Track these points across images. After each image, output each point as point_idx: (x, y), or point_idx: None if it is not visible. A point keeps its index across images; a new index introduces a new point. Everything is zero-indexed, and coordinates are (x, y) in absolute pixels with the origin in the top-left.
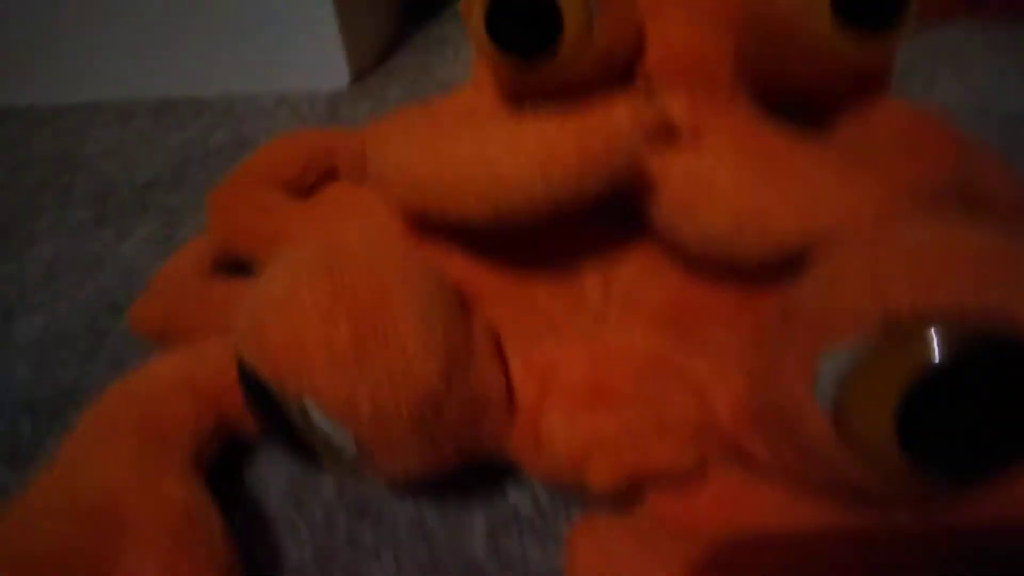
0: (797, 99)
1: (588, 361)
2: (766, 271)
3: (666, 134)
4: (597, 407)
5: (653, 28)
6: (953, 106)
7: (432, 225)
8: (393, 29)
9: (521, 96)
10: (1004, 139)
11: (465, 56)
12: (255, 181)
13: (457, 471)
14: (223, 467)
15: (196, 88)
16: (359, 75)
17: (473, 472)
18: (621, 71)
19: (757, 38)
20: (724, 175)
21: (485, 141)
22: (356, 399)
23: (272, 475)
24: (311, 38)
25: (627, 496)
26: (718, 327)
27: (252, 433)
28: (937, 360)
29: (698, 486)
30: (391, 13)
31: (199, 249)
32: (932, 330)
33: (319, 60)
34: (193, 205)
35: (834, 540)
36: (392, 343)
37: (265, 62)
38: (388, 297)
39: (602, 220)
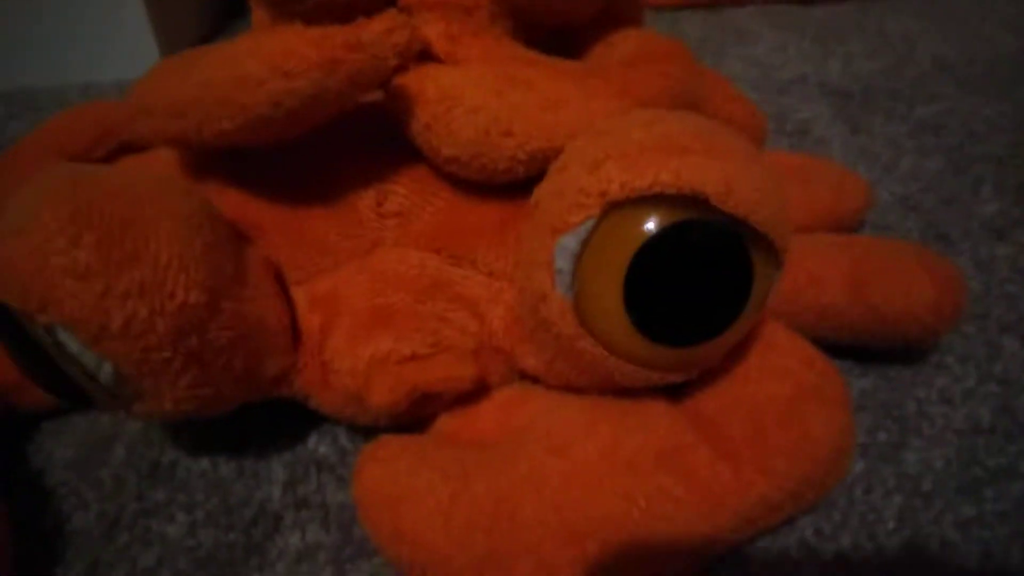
0: (552, 30)
1: (368, 286)
2: (526, 186)
3: (422, 55)
4: (378, 329)
5: None
6: (739, 74)
7: (206, 163)
8: (209, 20)
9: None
10: (779, 101)
11: None
12: (39, 152)
13: (255, 423)
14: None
15: None
16: None
17: (272, 424)
18: (383, 3)
19: None
20: (471, 88)
21: (232, 52)
22: (105, 314)
23: (56, 447)
24: (118, 24)
25: (415, 417)
26: (486, 246)
27: (30, 404)
28: (647, 232)
29: (480, 401)
30: (207, 3)
31: None
32: (642, 206)
33: (127, 49)
34: None
35: (596, 426)
36: (143, 256)
37: (69, 54)
38: (139, 213)
39: (374, 145)
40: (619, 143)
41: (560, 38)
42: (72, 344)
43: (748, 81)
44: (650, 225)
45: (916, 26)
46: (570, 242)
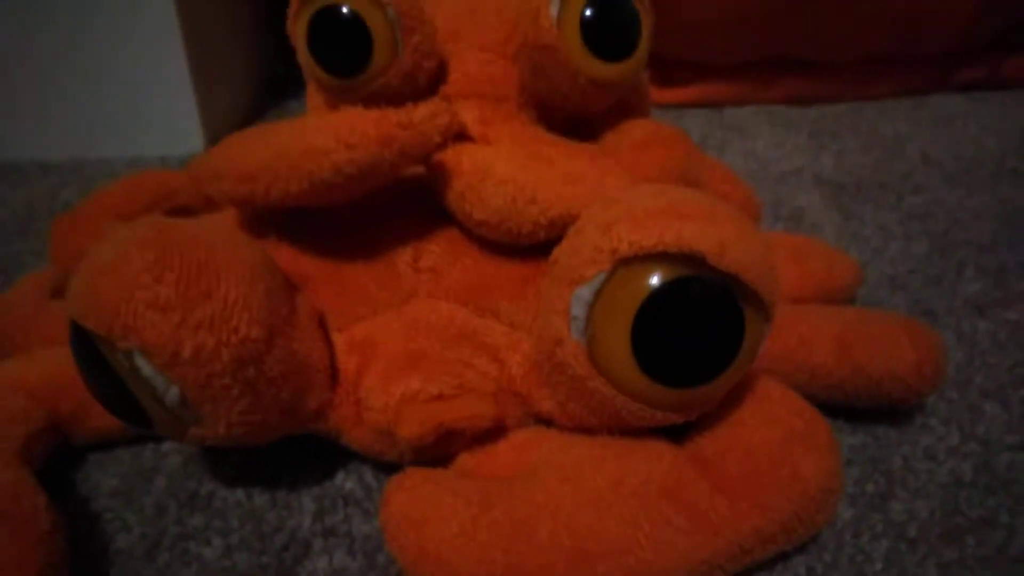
0: (571, 119)
1: (402, 332)
2: (545, 248)
3: (459, 136)
4: (409, 371)
5: (453, 60)
6: (739, 167)
7: (262, 222)
8: (251, 100)
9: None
10: (776, 189)
11: None
12: (99, 212)
13: (287, 459)
14: (53, 476)
15: (45, 153)
16: (213, 142)
17: (304, 460)
18: (426, 91)
19: (531, 66)
20: (501, 162)
21: (301, 127)
22: (178, 342)
23: (103, 477)
24: (166, 104)
25: (437, 454)
26: (507, 300)
27: (83, 437)
28: (652, 285)
29: (497, 441)
30: (250, 84)
31: (39, 277)
32: (648, 263)
33: (173, 126)
34: (36, 252)
35: (606, 461)
36: (215, 295)
37: (118, 128)
38: (213, 257)
39: (413, 210)
40: (629, 209)
41: (577, 125)
42: (146, 368)
43: (747, 173)
44: (654, 279)
45: (906, 127)
46: (584, 292)
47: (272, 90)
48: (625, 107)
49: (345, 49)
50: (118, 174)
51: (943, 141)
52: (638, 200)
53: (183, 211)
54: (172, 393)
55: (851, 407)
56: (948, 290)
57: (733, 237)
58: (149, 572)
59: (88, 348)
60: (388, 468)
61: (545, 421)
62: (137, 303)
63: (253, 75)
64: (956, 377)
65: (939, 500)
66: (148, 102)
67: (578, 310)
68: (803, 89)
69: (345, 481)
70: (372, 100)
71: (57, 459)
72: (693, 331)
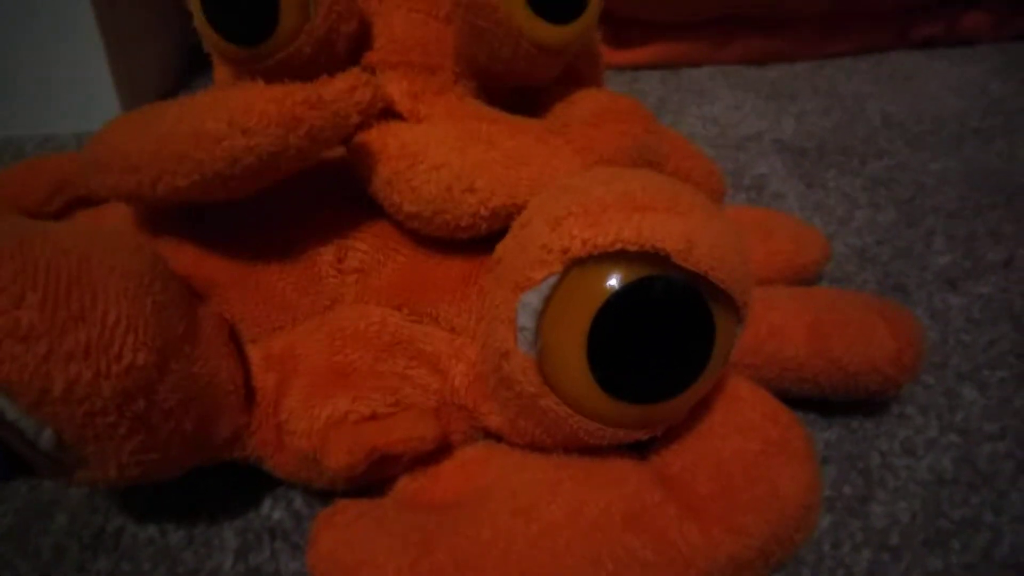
0: (517, 91)
1: (326, 343)
2: (488, 241)
3: (386, 113)
4: (336, 389)
5: (377, 24)
6: (697, 132)
7: (162, 218)
8: (173, 70)
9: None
10: (736, 156)
11: None
12: None
13: (207, 487)
14: None
15: None
16: None
17: (225, 488)
18: (345, 60)
19: (467, 28)
20: (434, 145)
21: (190, 107)
22: (46, 377)
23: None
24: (78, 76)
25: (375, 481)
26: (448, 302)
27: None
28: (609, 288)
29: (441, 460)
30: (171, 52)
31: None
32: (604, 263)
33: (87, 100)
34: None
35: (561, 485)
36: (90, 317)
37: (27, 104)
38: (87, 270)
39: (335, 201)
40: (581, 200)
41: (522, 96)
42: (11, 411)
43: (706, 138)
44: (612, 282)
45: (866, 87)
46: (532, 299)
47: (196, 58)
48: (574, 74)
49: (246, 10)
50: (28, 154)
51: (904, 100)
52: (591, 188)
53: (86, 201)
54: (46, 436)
55: (824, 399)
56: (918, 263)
57: (700, 230)
58: None
59: None
60: (320, 494)
61: (494, 436)
62: None
63: (174, 42)
64: (931, 359)
65: (920, 501)
66: (59, 74)
67: (526, 319)
68: (760, 48)
69: (272, 510)
70: (280, 71)
71: None
72: (657, 339)
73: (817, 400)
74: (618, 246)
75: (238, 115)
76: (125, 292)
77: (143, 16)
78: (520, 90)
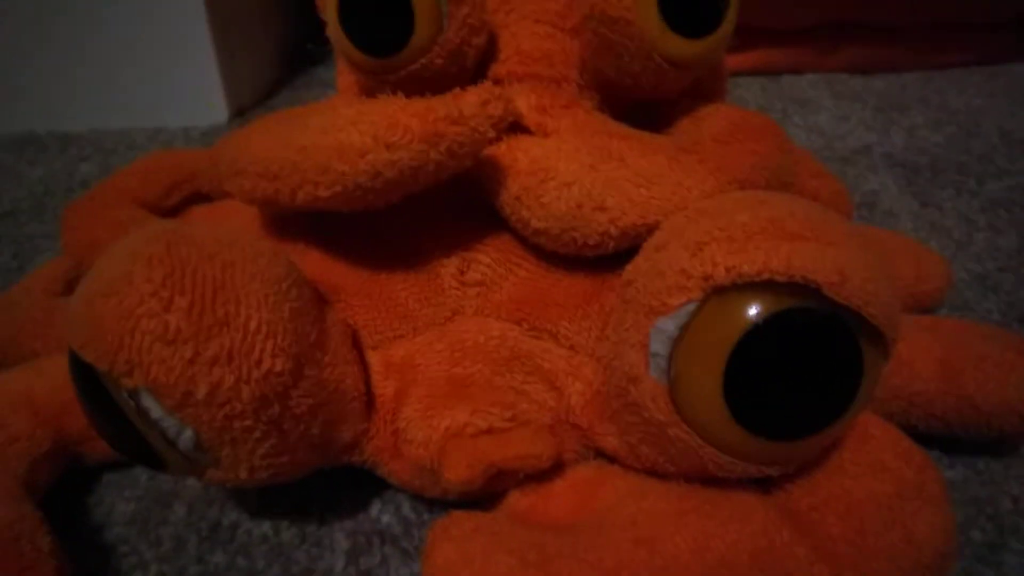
0: (640, 104)
1: (446, 354)
2: (611, 258)
3: (513, 126)
4: (454, 401)
5: (504, 36)
6: (802, 143)
7: (288, 222)
8: (276, 69)
9: (377, 92)
10: (844, 171)
11: None
12: (114, 198)
13: (318, 487)
14: (63, 494)
15: (65, 123)
16: (238, 112)
17: (335, 490)
18: (473, 73)
19: (597, 41)
20: (564, 161)
21: (333, 119)
22: (191, 380)
23: (118, 501)
24: (188, 74)
25: (487, 494)
26: (568, 319)
27: (97, 455)
28: (752, 319)
29: (553, 478)
30: (275, 53)
31: (52, 269)
32: (747, 292)
33: (196, 96)
34: (52, 235)
35: (686, 517)
36: (233, 323)
37: (139, 98)
38: (231, 276)
39: (460, 214)
40: (723, 225)
41: (644, 110)
42: (155, 409)
43: (811, 151)
44: (754, 312)
45: (979, 100)
46: (668, 325)
47: (299, 57)
48: (701, 89)
49: (382, 23)
50: (139, 147)
51: (1023, 116)
52: (735, 213)
53: (203, 196)
54: (186, 436)
55: (950, 437)
56: None
57: (853, 262)
58: None
59: (89, 382)
60: (427, 500)
61: (607, 456)
62: (143, 335)
63: (279, 41)
64: None
65: None
66: (170, 70)
67: (659, 346)
68: (866, 57)
69: (381, 514)
70: (411, 82)
71: (68, 478)
72: (800, 374)
73: (940, 437)
74: (765, 276)
75: (382, 130)
76: (266, 299)
77: (251, 15)
78: (643, 104)
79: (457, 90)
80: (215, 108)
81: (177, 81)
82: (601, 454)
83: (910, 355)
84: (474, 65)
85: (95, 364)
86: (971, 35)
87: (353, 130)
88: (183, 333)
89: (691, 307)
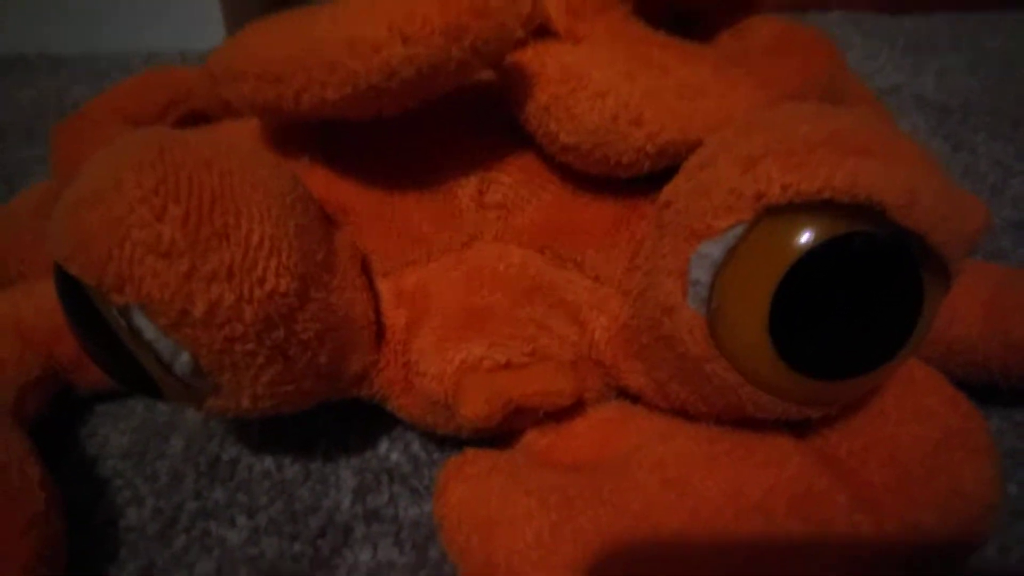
0: (677, 14)
1: (462, 283)
2: (645, 181)
3: (541, 31)
4: (470, 332)
5: None
6: None
7: (291, 136)
8: None
9: None
10: None
11: None
12: (106, 116)
13: (323, 423)
14: (54, 425)
15: (56, 46)
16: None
17: (342, 426)
18: None
19: None
20: (599, 68)
21: (344, 12)
22: (188, 297)
23: (112, 433)
24: None
25: (503, 433)
26: (595, 248)
27: (88, 384)
28: (809, 245)
29: (574, 417)
30: None
31: (41, 191)
32: (803, 214)
33: (193, 18)
34: (42, 159)
35: (717, 460)
36: (233, 236)
37: (133, 19)
38: (230, 185)
39: (479, 130)
40: (781, 138)
41: (682, 24)
42: (149, 329)
43: None
44: (809, 236)
45: (1014, 44)
46: (713, 250)
47: None
48: (741, 1)
49: None
50: (134, 69)
51: None
52: (794, 125)
53: (200, 116)
54: (182, 360)
55: (990, 386)
56: None
57: (924, 183)
58: (163, 559)
59: (77, 298)
60: (437, 437)
61: (630, 396)
62: (134, 246)
63: None
64: None
65: None
66: None
67: (701, 273)
68: None
69: (390, 452)
70: None
71: (60, 408)
72: (854, 307)
73: (977, 386)
74: (826, 194)
75: (399, 21)
76: (268, 212)
77: None
78: (679, 16)
79: None
80: (212, 30)
81: (174, 2)
82: (624, 394)
83: (953, 297)
84: None
85: (82, 278)
86: None
87: (366, 21)
88: (178, 245)
89: (740, 229)
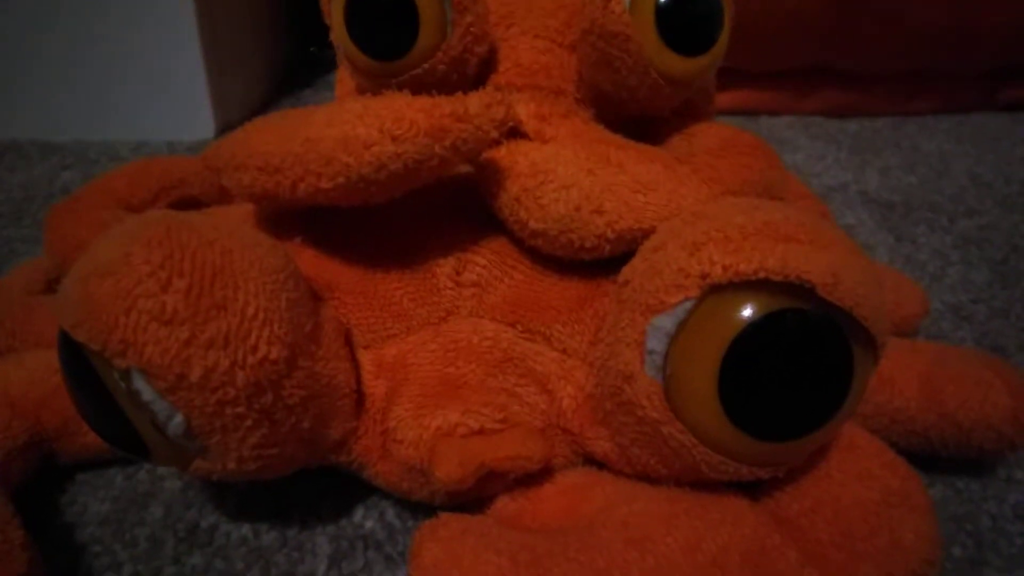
0: (632, 121)
1: (439, 354)
2: (605, 264)
3: (512, 132)
4: (446, 400)
5: (504, 48)
6: None
7: (283, 220)
8: (265, 87)
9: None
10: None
11: None
12: (101, 199)
13: (300, 491)
14: (35, 496)
15: (47, 133)
16: (225, 128)
17: (318, 494)
18: (473, 81)
19: (595, 56)
20: (564, 165)
21: (339, 113)
22: (186, 363)
23: (92, 501)
24: (177, 88)
25: (474, 498)
26: (562, 323)
27: (71, 453)
28: (747, 318)
29: (542, 483)
30: (264, 71)
31: (33, 267)
32: (743, 292)
33: (183, 111)
34: (30, 240)
35: (677, 519)
36: (231, 307)
37: (125, 110)
38: (229, 262)
39: (457, 215)
40: (720, 227)
41: (636, 127)
42: (147, 392)
43: None
44: (749, 311)
45: (949, 145)
46: (666, 322)
47: (287, 78)
48: (691, 108)
49: (387, 28)
50: (123, 158)
51: (991, 161)
52: (730, 216)
53: (191, 202)
54: (176, 421)
55: (928, 455)
56: (1016, 324)
57: (845, 265)
58: None
59: (78, 363)
60: (411, 506)
61: (596, 462)
62: (140, 314)
63: (267, 61)
64: None
65: None
66: (158, 84)
67: (656, 343)
68: (841, 101)
69: (365, 519)
70: (412, 87)
71: (40, 477)
72: (793, 374)
73: (920, 455)
74: (761, 275)
75: (388, 123)
76: (263, 287)
77: (242, 32)
78: (635, 121)
79: (460, 94)
80: (201, 123)
81: (164, 95)
82: (591, 461)
83: (892, 373)
84: (474, 74)
85: (88, 343)
86: (940, 85)
87: (359, 123)
88: (180, 314)
89: (688, 305)
